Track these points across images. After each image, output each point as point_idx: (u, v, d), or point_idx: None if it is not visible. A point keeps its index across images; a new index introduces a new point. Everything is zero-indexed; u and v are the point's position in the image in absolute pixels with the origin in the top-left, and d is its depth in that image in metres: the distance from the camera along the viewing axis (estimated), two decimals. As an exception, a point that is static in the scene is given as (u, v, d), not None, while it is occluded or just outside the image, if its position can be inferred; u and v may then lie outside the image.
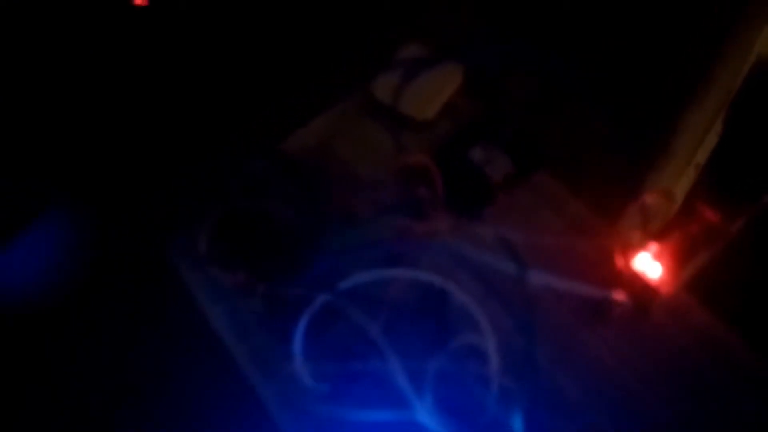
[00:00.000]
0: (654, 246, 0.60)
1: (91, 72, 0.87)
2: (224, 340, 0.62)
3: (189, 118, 0.85)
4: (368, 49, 0.77)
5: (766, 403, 0.55)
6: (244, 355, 0.60)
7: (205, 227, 0.57)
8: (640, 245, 0.59)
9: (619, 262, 0.59)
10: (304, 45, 0.89)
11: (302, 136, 0.70)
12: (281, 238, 0.56)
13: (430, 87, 0.72)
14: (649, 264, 0.59)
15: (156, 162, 0.80)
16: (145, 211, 0.69)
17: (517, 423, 0.49)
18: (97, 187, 0.80)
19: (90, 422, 0.71)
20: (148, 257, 0.67)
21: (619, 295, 0.57)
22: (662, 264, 0.59)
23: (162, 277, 0.66)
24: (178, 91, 0.88)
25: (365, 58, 0.76)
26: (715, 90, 0.72)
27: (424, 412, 0.49)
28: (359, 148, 0.70)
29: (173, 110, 0.86)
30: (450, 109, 0.72)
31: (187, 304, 0.63)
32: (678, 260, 0.60)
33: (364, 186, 0.66)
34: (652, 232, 0.59)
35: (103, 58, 0.88)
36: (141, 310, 0.71)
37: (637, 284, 0.59)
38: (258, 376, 0.59)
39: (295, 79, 0.82)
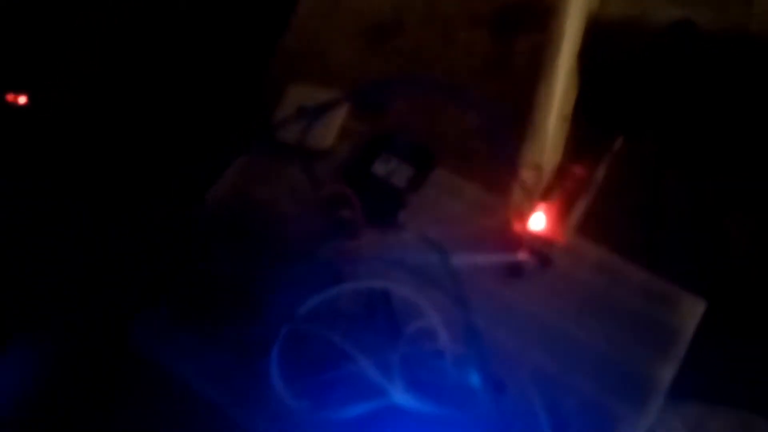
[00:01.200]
0: (541, 206, 0.72)
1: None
2: (205, 392, 0.67)
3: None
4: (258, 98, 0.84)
5: (658, 302, 0.67)
6: (225, 399, 0.66)
7: (165, 298, 0.62)
8: (530, 209, 0.71)
9: (517, 227, 0.71)
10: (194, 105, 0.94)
11: (219, 188, 0.76)
12: (238, 289, 0.63)
13: (324, 118, 0.80)
14: (541, 222, 0.71)
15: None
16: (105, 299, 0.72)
17: (475, 380, 0.58)
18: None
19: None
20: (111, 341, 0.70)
21: (524, 254, 0.69)
22: (551, 219, 0.71)
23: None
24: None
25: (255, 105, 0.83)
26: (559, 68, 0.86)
27: (398, 394, 0.57)
28: (273, 187, 0.77)
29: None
30: (345, 134, 0.81)
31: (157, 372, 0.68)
32: (563, 212, 0.73)
33: (289, 221, 0.74)
34: (536, 197, 0.71)
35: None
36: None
37: (536, 241, 0.71)
38: (243, 414, 0.65)
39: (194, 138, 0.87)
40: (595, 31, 1.21)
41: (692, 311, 0.67)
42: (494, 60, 0.92)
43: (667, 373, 0.64)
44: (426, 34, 0.96)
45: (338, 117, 0.81)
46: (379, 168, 0.76)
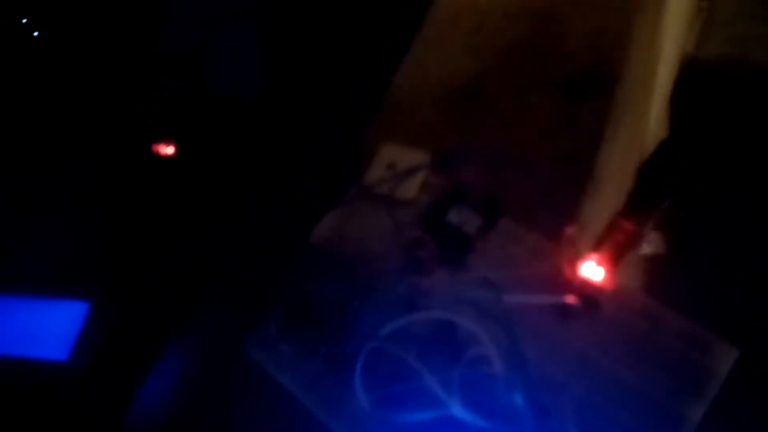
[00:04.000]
0: (593, 256, 0.83)
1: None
2: (296, 394, 0.83)
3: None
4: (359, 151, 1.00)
5: (695, 348, 0.76)
6: (314, 401, 0.81)
7: (275, 313, 0.79)
8: (582, 258, 0.82)
9: (570, 273, 0.82)
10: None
11: (322, 228, 0.93)
12: (333, 311, 0.78)
13: (409, 174, 0.95)
14: (592, 270, 0.82)
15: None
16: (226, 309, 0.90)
17: (522, 403, 0.70)
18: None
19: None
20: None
21: (574, 298, 0.80)
22: (602, 267, 0.82)
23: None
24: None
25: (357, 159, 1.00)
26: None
27: (456, 408, 0.70)
28: (365, 229, 0.93)
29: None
30: (425, 187, 0.96)
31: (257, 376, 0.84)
32: (612, 262, 0.83)
33: (375, 258, 0.89)
34: (587, 247, 0.82)
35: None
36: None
37: (586, 287, 0.81)
38: (328, 415, 0.80)
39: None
40: (690, 73, 1.27)
41: (726, 358, 0.75)
42: (562, 121, 1.03)
43: (697, 412, 0.73)
44: (502, 98, 1.09)
45: (421, 173, 0.96)
46: (453, 217, 0.90)
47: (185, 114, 1.15)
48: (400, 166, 0.97)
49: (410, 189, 0.94)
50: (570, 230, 0.81)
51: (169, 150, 1.09)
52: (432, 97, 1.13)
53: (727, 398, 0.73)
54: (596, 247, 0.84)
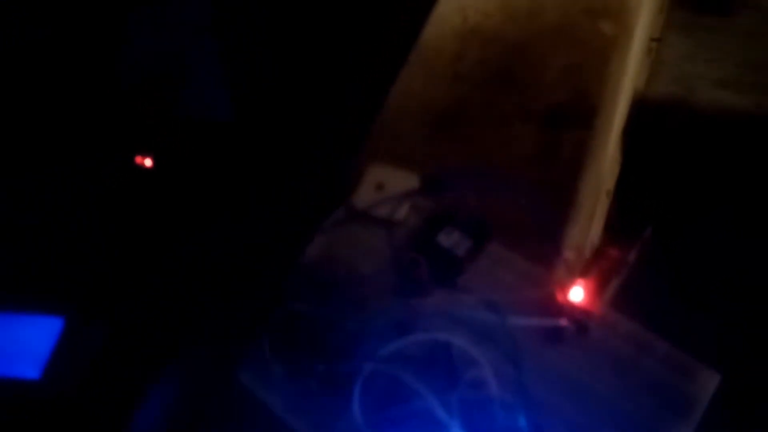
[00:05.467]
0: (581, 281, 0.85)
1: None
2: (285, 418, 0.80)
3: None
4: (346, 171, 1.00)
5: (678, 372, 0.79)
6: (306, 424, 0.79)
7: (265, 334, 0.77)
8: (571, 283, 0.84)
9: (559, 297, 0.84)
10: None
11: (312, 249, 0.92)
12: (326, 331, 0.77)
13: (398, 194, 0.96)
14: (580, 294, 0.84)
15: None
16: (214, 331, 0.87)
17: (522, 424, 0.70)
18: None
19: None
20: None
21: (564, 321, 0.81)
22: (589, 292, 0.84)
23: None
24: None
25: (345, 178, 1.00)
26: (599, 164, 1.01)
27: (457, 430, 0.70)
28: (355, 250, 0.92)
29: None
30: (414, 208, 0.97)
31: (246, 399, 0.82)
32: (599, 287, 0.85)
33: (366, 279, 0.89)
34: (576, 272, 0.84)
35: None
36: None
37: (575, 310, 0.83)
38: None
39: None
40: (640, 110, 1.34)
41: (708, 383, 0.78)
42: (543, 150, 1.07)
43: (684, 436, 0.75)
44: (485, 125, 1.12)
45: (410, 194, 0.96)
46: (443, 239, 0.91)
47: (163, 128, 1.13)
48: (389, 186, 0.97)
49: (400, 210, 0.95)
50: (566, 255, 0.83)
51: (147, 162, 1.05)
52: (416, 121, 1.14)
53: (710, 423, 0.76)
54: (584, 272, 0.86)
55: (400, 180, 0.98)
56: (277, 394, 0.80)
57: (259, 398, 0.82)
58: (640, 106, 1.34)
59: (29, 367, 0.83)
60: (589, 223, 1.01)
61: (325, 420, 0.77)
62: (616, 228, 1.07)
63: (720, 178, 1.31)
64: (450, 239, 0.90)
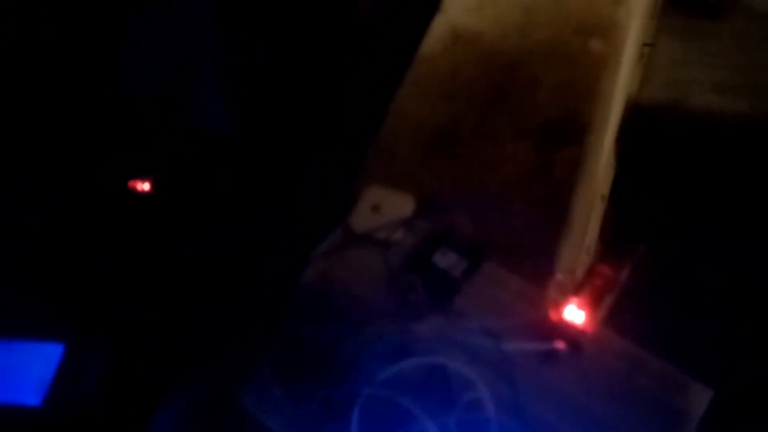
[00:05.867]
0: (575, 300, 0.86)
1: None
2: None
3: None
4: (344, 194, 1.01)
5: (671, 389, 0.80)
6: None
7: (266, 357, 0.78)
8: (565, 302, 0.85)
9: (553, 316, 0.85)
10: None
11: (311, 270, 0.93)
12: (327, 354, 0.78)
13: (393, 216, 0.97)
14: (574, 313, 0.85)
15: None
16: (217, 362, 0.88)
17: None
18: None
19: None
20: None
21: (560, 342, 0.83)
22: (583, 311, 0.85)
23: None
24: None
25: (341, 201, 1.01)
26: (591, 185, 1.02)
27: (454, 452, 0.71)
28: (353, 271, 0.93)
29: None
30: (409, 229, 0.98)
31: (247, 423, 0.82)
32: (593, 306, 0.87)
33: (364, 301, 0.90)
34: (570, 292, 0.86)
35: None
36: None
37: (569, 329, 0.84)
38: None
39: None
40: (634, 114, 1.35)
41: (701, 398, 0.79)
42: (537, 168, 1.08)
43: (677, 451, 0.76)
44: (479, 144, 1.13)
45: (406, 215, 0.98)
46: (438, 259, 0.92)
47: (161, 151, 1.14)
48: (385, 208, 0.98)
49: (396, 231, 0.96)
50: (559, 276, 0.84)
51: (145, 186, 1.06)
52: (411, 141, 1.16)
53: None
54: (577, 291, 0.88)
55: (396, 201, 0.99)
56: (278, 416, 0.81)
57: (260, 421, 0.83)
58: (634, 111, 1.36)
59: (30, 394, 0.83)
60: (582, 238, 1.02)
61: (323, 443, 0.78)
62: (612, 232, 1.08)
63: (714, 182, 1.32)
64: (446, 260, 0.92)
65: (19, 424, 0.82)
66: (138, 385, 0.84)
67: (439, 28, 1.32)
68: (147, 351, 0.87)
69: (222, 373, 0.84)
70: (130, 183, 1.05)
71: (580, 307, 0.85)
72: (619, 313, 0.91)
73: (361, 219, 0.97)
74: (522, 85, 1.20)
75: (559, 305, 0.85)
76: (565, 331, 0.84)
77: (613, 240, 1.16)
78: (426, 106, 1.20)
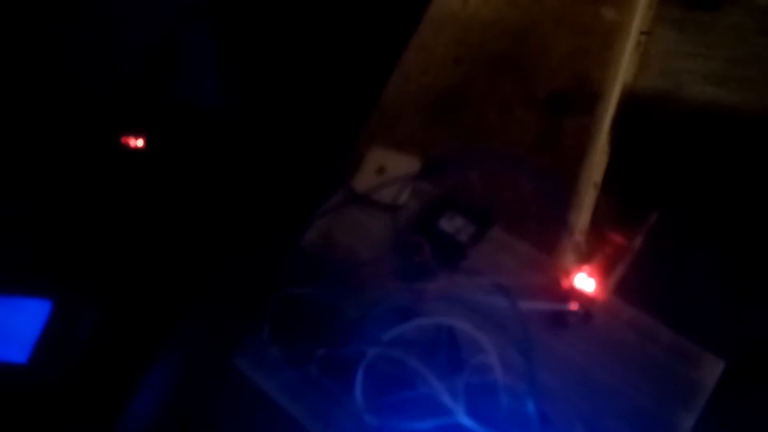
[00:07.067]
0: (585, 267, 0.83)
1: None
2: (283, 403, 0.78)
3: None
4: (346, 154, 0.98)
5: (682, 359, 0.78)
6: (303, 410, 0.77)
7: (264, 318, 0.74)
8: (576, 269, 0.83)
9: (564, 283, 0.82)
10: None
11: (312, 232, 0.89)
12: (326, 316, 0.75)
13: (398, 178, 0.94)
14: (585, 281, 0.83)
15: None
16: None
17: (529, 410, 0.69)
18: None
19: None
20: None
21: (569, 306, 0.80)
22: (594, 279, 0.83)
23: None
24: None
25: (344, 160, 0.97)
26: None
27: (462, 416, 0.68)
28: (356, 234, 0.90)
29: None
30: (414, 192, 0.94)
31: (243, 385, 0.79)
32: (603, 274, 0.84)
33: (365, 263, 0.86)
34: (581, 258, 0.83)
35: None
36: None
37: (579, 297, 0.82)
38: (316, 424, 0.76)
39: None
40: (628, 103, 1.34)
41: (712, 369, 0.77)
42: (545, 136, 1.05)
43: (687, 423, 0.74)
44: (486, 110, 1.10)
45: (411, 178, 0.94)
46: (445, 224, 0.89)
47: (155, 107, 1.09)
48: (390, 170, 0.95)
49: (401, 194, 0.93)
50: (575, 237, 0.81)
51: (138, 143, 1.02)
52: (416, 105, 1.12)
53: (714, 409, 0.75)
54: (588, 258, 0.85)
55: (401, 163, 0.96)
56: (275, 379, 0.78)
57: (257, 384, 0.80)
58: (628, 100, 1.34)
59: (16, 352, 0.80)
60: (589, 208, 1.00)
61: (323, 406, 0.75)
62: (603, 220, 1.05)
63: (706, 173, 1.31)
64: (452, 224, 0.88)
65: (5, 381, 0.78)
66: (128, 344, 0.80)
67: (446, -8, 1.28)
68: (138, 309, 0.83)
69: (217, 333, 0.81)
70: (123, 138, 1.00)
71: (590, 274, 0.83)
72: (628, 282, 0.88)
73: (365, 180, 0.94)
74: (532, 52, 1.17)
75: (569, 272, 0.82)
76: (576, 298, 0.81)
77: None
78: (432, 70, 1.17)
